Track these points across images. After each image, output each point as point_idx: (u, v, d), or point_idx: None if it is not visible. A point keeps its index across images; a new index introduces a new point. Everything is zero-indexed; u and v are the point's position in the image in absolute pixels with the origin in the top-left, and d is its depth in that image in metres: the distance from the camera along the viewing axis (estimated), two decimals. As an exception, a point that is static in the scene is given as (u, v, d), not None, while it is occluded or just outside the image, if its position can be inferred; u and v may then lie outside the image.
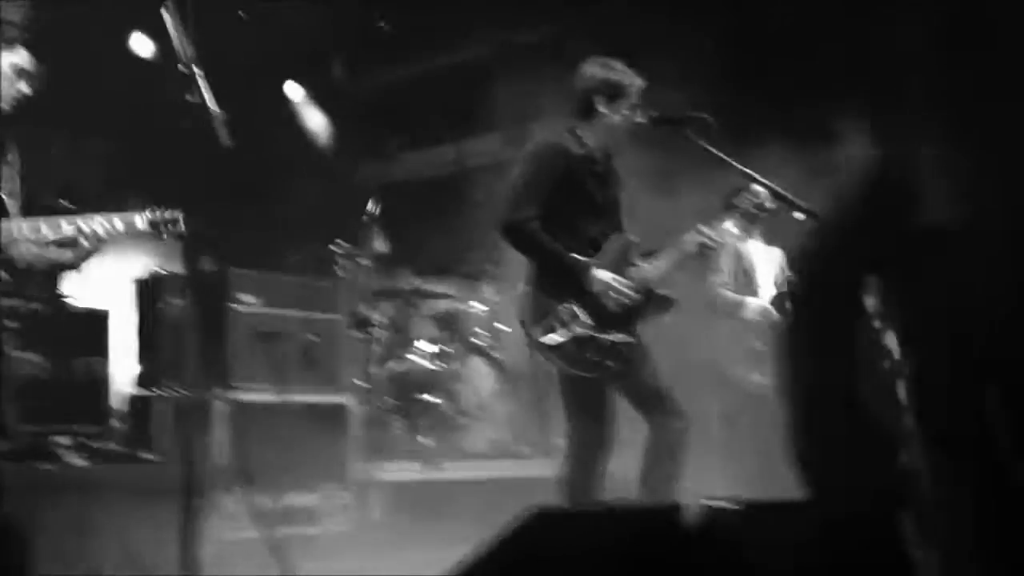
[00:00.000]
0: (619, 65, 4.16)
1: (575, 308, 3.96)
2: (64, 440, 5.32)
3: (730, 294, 5.38)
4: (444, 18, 8.08)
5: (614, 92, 4.09)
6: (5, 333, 4.75)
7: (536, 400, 6.12)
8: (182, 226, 3.87)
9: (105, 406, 5.74)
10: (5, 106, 3.62)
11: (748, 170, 4.01)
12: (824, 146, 5.56)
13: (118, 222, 3.81)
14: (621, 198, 4.30)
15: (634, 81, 4.11)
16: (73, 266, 4.01)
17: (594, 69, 4.14)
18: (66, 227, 3.75)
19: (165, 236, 3.90)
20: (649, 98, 4.18)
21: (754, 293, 5.37)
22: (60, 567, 4.14)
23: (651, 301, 4.09)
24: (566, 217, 4.04)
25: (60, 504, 4.45)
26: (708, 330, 5.48)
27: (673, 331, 4.40)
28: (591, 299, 3.97)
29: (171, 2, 3.36)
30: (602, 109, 4.09)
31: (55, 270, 4.00)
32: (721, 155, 3.95)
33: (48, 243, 3.76)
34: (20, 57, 3.58)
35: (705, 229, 4.09)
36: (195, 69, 3.36)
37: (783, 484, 2.21)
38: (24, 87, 3.66)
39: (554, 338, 3.92)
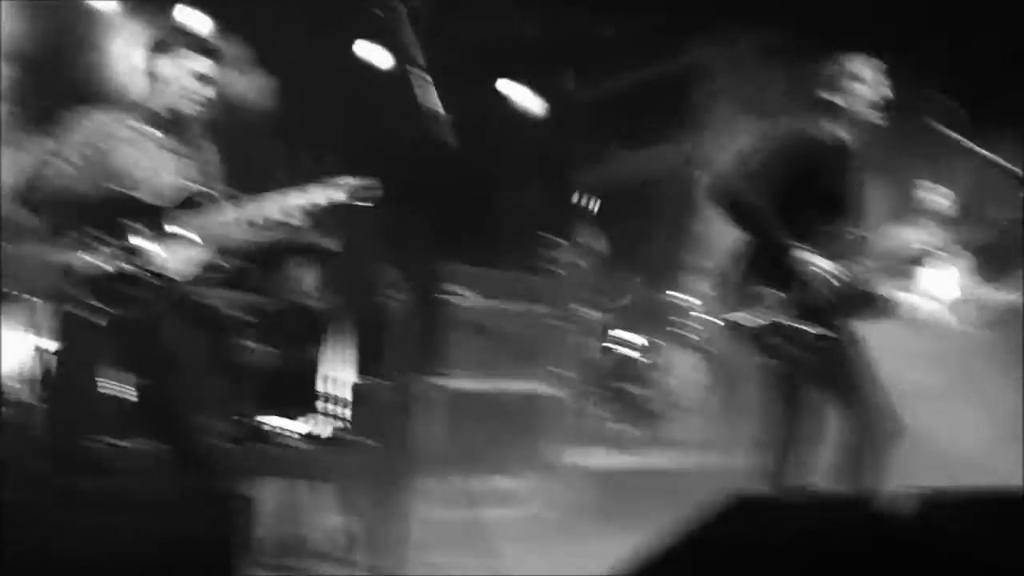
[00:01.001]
0: (857, 58, 4.03)
1: (780, 293, 3.83)
2: (292, 425, 5.65)
3: (908, 297, 5.08)
4: (667, 19, 8.05)
5: (845, 85, 3.98)
6: (235, 324, 5.08)
7: (741, 392, 6.02)
8: (380, 190, 3.91)
9: (328, 394, 6.07)
10: (189, 110, 3.80)
11: (989, 154, 3.78)
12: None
13: (318, 194, 3.79)
14: (861, 193, 4.13)
15: (869, 72, 3.99)
16: (289, 248, 4.09)
17: (832, 64, 4.04)
18: (269, 208, 3.76)
19: (364, 199, 3.89)
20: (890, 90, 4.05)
21: (929, 294, 5.05)
22: (278, 545, 4.34)
23: (866, 299, 3.94)
24: (798, 205, 3.88)
25: (281, 486, 4.72)
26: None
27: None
28: (800, 287, 3.82)
29: (403, 7, 3.49)
30: (839, 102, 3.99)
31: (277, 251, 4.12)
32: (962, 139, 3.74)
33: (257, 225, 3.77)
34: (202, 64, 3.78)
35: (928, 236, 3.91)
36: (424, 74, 3.47)
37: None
38: (209, 91, 3.82)
39: (750, 319, 3.81)
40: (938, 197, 4.47)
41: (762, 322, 3.80)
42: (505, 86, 9.10)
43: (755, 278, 3.88)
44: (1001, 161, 3.75)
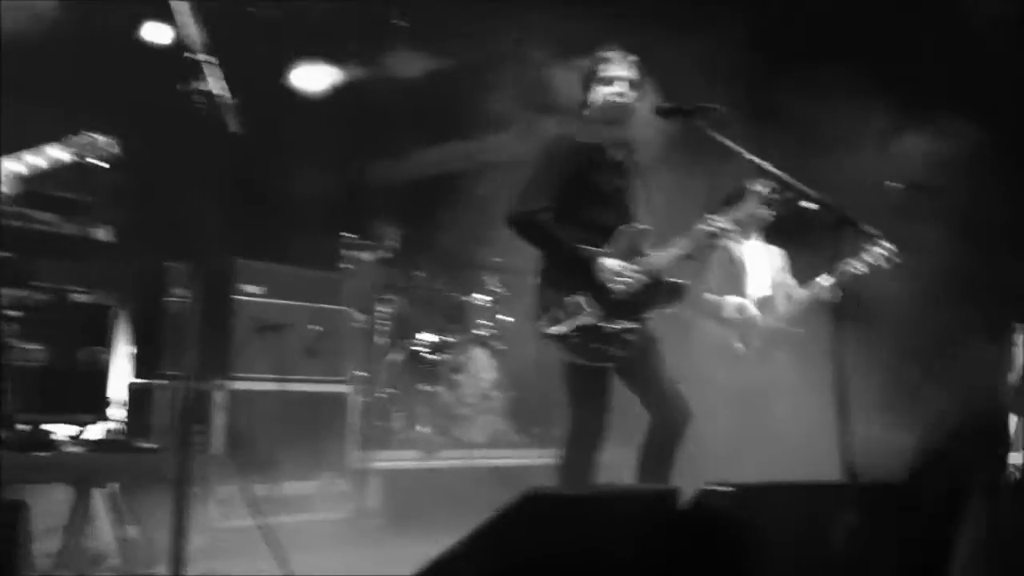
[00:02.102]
0: (612, 54, 4.18)
1: (581, 298, 3.96)
2: (63, 429, 5.31)
3: (710, 296, 5.25)
4: (458, 15, 8.05)
5: (605, 81, 4.13)
6: (7, 323, 4.74)
7: (536, 390, 6.10)
8: (113, 147, 3.82)
9: (105, 396, 5.74)
10: None
11: (758, 160, 3.93)
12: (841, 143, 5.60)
13: (30, 156, 3.78)
14: (637, 188, 4.26)
15: (625, 70, 4.13)
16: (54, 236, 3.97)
17: (588, 61, 4.20)
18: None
19: (96, 158, 3.85)
20: (664, 89, 4.16)
21: (740, 292, 5.24)
22: (55, 553, 4.11)
23: (660, 288, 4.06)
24: (578, 208, 4.05)
25: (57, 491, 4.44)
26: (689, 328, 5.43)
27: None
28: (598, 288, 3.96)
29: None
30: (595, 98, 4.14)
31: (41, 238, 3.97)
32: (732, 145, 3.88)
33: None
34: None
35: (715, 218, 4.06)
36: (206, 57, 3.31)
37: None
38: None
39: (559, 328, 3.92)
40: (753, 189, 4.57)
41: (566, 329, 3.89)
42: (296, 73, 8.87)
43: (557, 287, 3.99)
44: (769, 167, 3.90)
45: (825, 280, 5.12)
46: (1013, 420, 5.30)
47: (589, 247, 4.00)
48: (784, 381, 5.02)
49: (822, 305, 5.14)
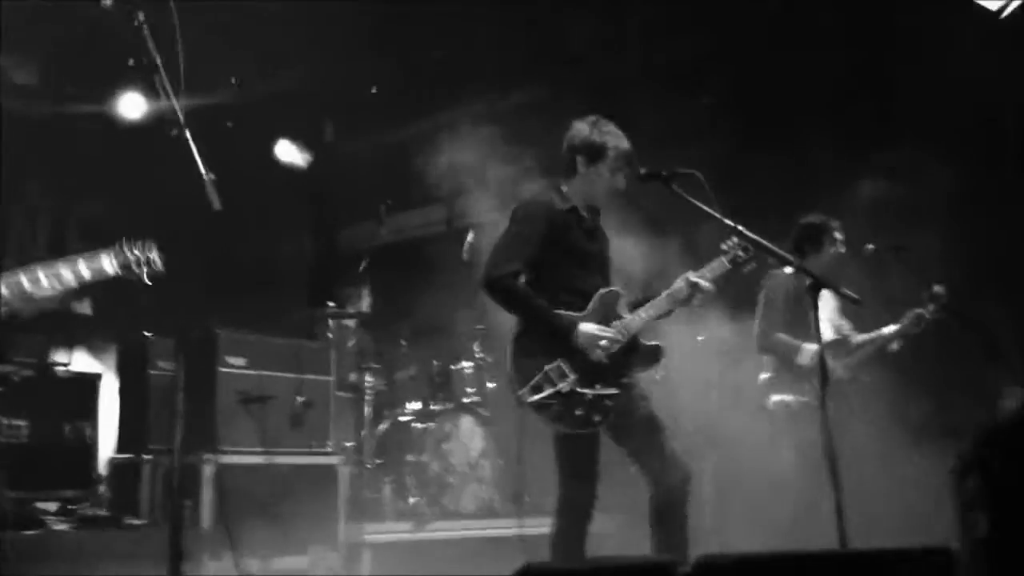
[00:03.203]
0: (606, 126, 4.20)
1: (561, 365, 3.94)
2: (50, 506, 5.27)
3: (784, 338, 5.16)
4: (434, 81, 8.16)
5: (596, 153, 4.14)
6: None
7: (522, 457, 6.08)
8: (158, 263, 3.74)
9: (92, 471, 5.70)
10: None
11: (731, 222, 4.00)
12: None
13: (82, 266, 3.64)
14: (609, 254, 4.32)
15: (619, 143, 4.16)
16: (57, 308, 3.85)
17: (579, 128, 4.20)
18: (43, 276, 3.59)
19: (141, 275, 3.72)
20: (640, 155, 4.22)
21: (807, 333, 4.95)
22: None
23: (637, 351, 4.08)
24: (555, 271, 4.06)
25: (48, 570, 4.39)
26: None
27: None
28: (577, 354, 3.95)
29: (162, 66, 3.37)
30: (582, 169, 4.16)
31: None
32: (707, 208, 3.94)
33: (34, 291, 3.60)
34: None
35: (694, 275, 4.09)
36: (185, 132, 3.36)
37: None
38: None
39: (540, 397, 3.89)
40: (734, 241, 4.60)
41: (546, 396, 3.88)
42: (272, 145, 8.95)
43: (536, 354, 3.95)
44: (743, 229, 3.96)
45: (889, 330, 5.26)
46: None
47: (566, 311, 4.00)
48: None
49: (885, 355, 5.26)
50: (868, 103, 6.54)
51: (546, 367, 3.93)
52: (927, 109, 5.99)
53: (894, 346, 5.35)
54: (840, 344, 5.34)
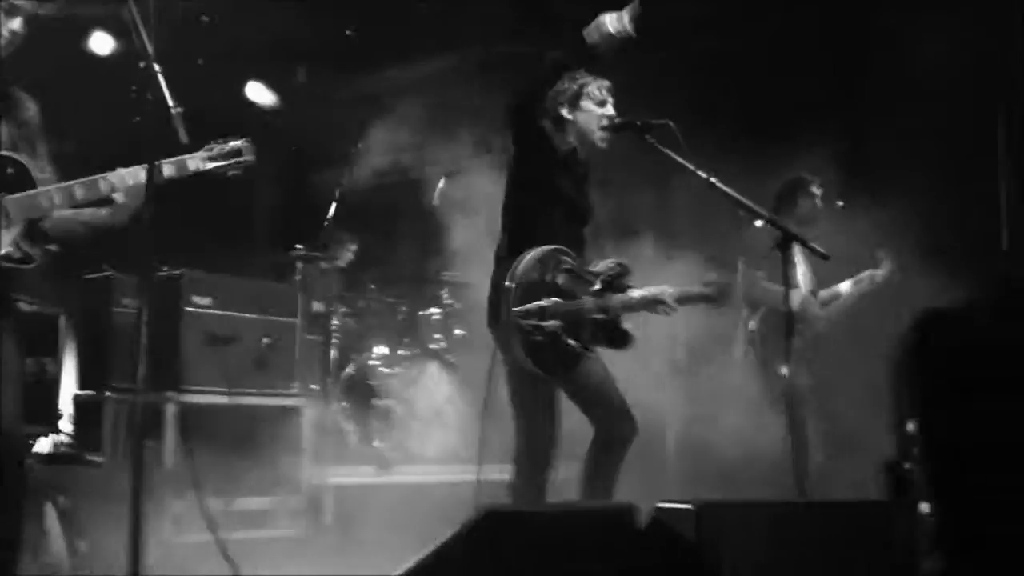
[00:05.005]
0: (579, 73, 4.18)
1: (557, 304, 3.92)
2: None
3: (771, 285, 5.26)
4: (414, 28, 8.06)
5: (575, 97, 4.15)
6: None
7: (488, 403, 6.09)
8: (251, 155, 3.77)
9: (54, 408, 5.65)
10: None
11: (710, 177, 3.98)
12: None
13: (168, 168, 3.64)
14: (589, 198, 4.31)
15: (593, 80, 4.16)
16: (113, 227, 3.82)
17: (567, 83, 4.17)
18: (103, 185, 3.59)
19: (231, 172, 3.81)
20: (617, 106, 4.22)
21: (792, 284, 5.25)
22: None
23: (616, 330, 4.08)
24: (543, 210, 4.08)
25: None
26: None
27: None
28: (575, 313, 3.95)
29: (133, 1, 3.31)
30: (568, 115, 4.16)
31: (96, 233, 3.83)
32: (683, 161, 3.93)
33: (82, 206, 3.63)
34: None
35: (670, 292, 4.08)
36: (155, 66, 3.31)
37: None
38: (16, 25, 3.56)
39: (532, 323, 3.83)
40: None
41: (539, 323, 3.84)
42: (244, 83, 8.83)
43: (536, 292, 3.92)
44: (721, 184, 3.96)
45: (845, 286, 5.60)
46: None
47: (580, 276, 4.01)
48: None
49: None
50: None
51: (554, 299, 3.91)
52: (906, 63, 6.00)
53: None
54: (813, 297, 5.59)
